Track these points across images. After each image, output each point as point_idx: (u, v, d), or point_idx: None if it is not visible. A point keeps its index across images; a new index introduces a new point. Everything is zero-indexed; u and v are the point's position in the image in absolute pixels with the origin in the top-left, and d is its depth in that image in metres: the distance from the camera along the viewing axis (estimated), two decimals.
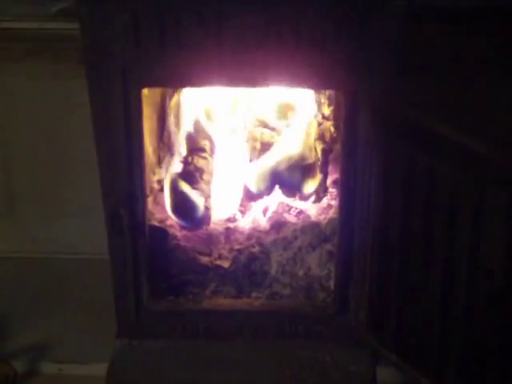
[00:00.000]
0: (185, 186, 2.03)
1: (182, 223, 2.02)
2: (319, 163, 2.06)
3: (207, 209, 2.03)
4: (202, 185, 2.05)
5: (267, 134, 2.11)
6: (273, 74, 1.71)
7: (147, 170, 1.87)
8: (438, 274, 1.69)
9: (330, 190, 2.05)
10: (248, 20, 1.66)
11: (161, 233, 1.98)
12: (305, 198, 2.07)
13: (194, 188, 2.03)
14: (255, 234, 2.02)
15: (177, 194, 2.01)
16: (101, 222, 1.87)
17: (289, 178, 2.07)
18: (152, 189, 2.01)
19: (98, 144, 1.80)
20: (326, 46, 1.67)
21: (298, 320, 1.96)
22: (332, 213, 2.00)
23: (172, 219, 2.03)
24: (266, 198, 2.07)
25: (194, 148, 2.07)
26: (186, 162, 2.06)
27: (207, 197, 2.04)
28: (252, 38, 1.67)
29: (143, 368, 1.93)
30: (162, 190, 2.05)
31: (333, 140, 2.06)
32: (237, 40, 1.68)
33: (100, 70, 1.71)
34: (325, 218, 2.01)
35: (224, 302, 1.98)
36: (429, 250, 1.70)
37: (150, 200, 1.94)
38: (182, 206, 2.01)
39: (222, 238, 2.03)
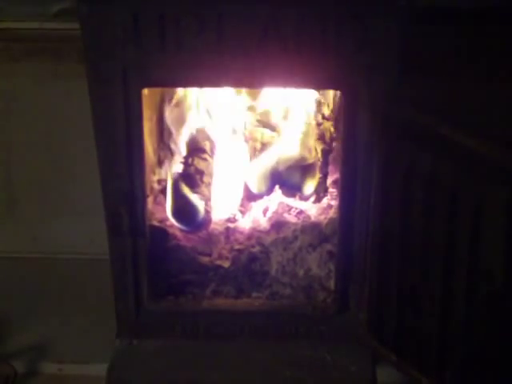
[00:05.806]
0: (185, 190, 2.02)
1: (182, 227, 2.02)
2: (319, 163, 2.06)
3: (207, 212, 2.03)
4: (203, 188, 2.04)
5: (267, 134, 2.11)
6: (273, 74, 1.71)
7: (147, 170, 1.87)
8: (438, 274, 1.69)
9: (330, 190, 2.05)
10: (248, 20, 1.66)
11: (161, 233, 1.98)
12: (305, 198, 2.06)
13: (194, 192, 2.03)
14: (255, 234, 2.02)
15: (177, 197, 2.00)
16: (101, 221, 1.87)
17: (289, 178, 2.07)
18: (152, 189, 2.01)
19: (98, 144, 1.80)
20: (326, 46, 1.67)
21: (298, 320, 1.97)
22: (332, 213, 2.00)
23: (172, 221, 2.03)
24: (266, 198, 2.07)
25: (194, 148, 2.07)
26: (186, 163, 2.06)
27: (207, 200, 2.04)
28: (252, 38, 1.67)
29: (143, 368, 1.93)
30: (162, 190, 2.04)
31: (333, 140, 2.06)
32: (237, 40, 1.68)
33: (100, 70, 1.72)
34: (325, 218, 2.00)
35: (224, 302, 1.98)
36: (429, 250, 1.70)
37: (150, 200, 1.94)
38: (183, 210, 2.01)
39: (222, 238, 2.02)
